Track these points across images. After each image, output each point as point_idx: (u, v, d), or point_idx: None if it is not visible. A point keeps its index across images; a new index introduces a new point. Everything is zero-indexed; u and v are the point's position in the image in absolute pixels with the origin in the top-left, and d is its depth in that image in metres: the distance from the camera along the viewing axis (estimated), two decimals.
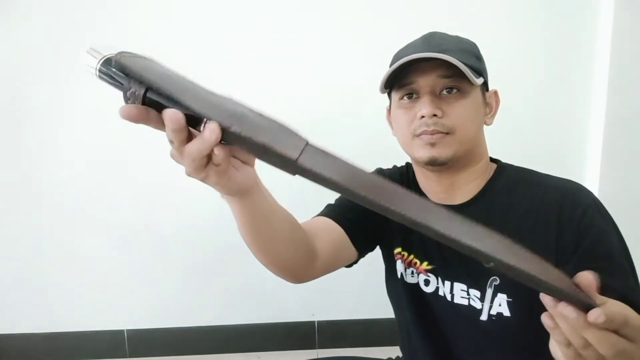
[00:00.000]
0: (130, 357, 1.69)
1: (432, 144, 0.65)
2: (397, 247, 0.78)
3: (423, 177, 0.75)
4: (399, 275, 0.78)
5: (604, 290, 0.62)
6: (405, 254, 0.76)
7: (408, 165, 0.82)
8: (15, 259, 1.64)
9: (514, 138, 1.55)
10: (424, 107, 0.64)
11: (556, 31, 1.55)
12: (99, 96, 1.52)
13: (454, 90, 0.65)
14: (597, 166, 1.55)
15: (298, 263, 0.67)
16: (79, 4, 1.50)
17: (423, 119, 0.64)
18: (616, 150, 1.53)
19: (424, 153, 0.66)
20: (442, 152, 0.65)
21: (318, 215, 0.78)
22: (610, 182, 1.54)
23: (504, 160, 0.76)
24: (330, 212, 0.76)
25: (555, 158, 1.58)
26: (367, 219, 0.75)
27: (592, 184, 1.57)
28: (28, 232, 1.63)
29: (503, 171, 0.72)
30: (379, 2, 1.52)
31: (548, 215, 0.64)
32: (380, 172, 0.85)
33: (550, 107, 1.58)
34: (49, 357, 1.68)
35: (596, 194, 0.67)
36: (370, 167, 1.34)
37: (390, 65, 0.68)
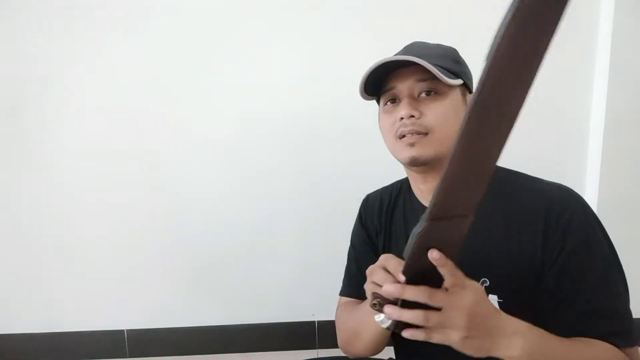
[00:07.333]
0: (130, 357, 1.69)
1: (412, 144, 0.68)
2: None
3: (412, 181, 0.79)
4: None
5: (570, 301, 0.62)
6: None
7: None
8: (15, 259, 1.64)
9: (513, 139, 1.54)
10: (402, 109, 0.69)
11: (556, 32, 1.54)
12: (100, 97, 1.52)
13: (432, 93, 0.68)
14: (597, 169, 1.54)
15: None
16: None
17: (402, 120, 0.69)
18: (616, 153, 1.53)
19: (405, 154, 0.70)
20: (422, 151, 0.68)
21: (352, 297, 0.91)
22: (611, 185, 1.53)
23: (502, 161, 0.75)
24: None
25: (555, 160, 1.58)
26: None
27: (592, 186, 1.57)
28: (28, 232, 1.63)
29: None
30: (380, 4, 1.52)
31: (534, 220, 0.65)
32: (366, 199, 0.91)
33: (550, 108, 1.58)
34: (49, 357, 1.68)
35: (596, 197, 0.67)
36: (374, 168, 1.33)
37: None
